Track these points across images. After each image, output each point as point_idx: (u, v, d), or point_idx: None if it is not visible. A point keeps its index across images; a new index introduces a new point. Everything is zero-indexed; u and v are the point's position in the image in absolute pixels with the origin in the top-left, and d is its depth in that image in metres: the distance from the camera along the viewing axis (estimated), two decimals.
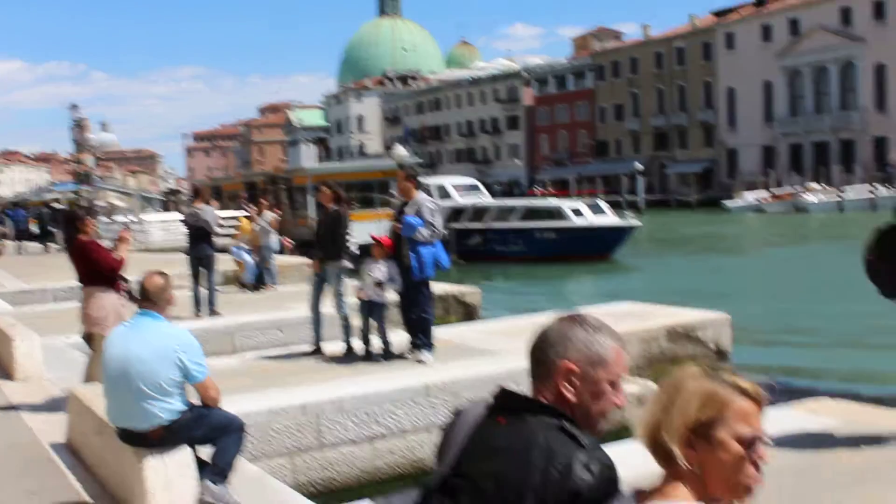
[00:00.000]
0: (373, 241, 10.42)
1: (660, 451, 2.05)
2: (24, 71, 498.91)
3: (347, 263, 10.96)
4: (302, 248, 15.40)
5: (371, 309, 10.33)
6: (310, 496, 7.07)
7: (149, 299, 5.87)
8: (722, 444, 2.00)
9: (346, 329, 10.81)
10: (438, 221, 10.14)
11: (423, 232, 9.91)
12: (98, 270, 8.91)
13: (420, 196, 10.24)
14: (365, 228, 33.59)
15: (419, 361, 9.95)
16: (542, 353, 2.30)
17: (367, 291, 10.25)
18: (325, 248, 10.98)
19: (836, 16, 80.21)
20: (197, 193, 15.87)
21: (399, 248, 10.09)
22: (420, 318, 10.19)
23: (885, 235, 6.64)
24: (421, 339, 10.18)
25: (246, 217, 20.34)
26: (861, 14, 78.30)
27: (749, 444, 1.99)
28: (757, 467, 2.02)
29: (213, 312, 14.74)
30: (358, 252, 11.24)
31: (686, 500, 2.00)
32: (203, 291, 14.93)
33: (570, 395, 2.25)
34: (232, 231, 22.25)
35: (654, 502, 2.01)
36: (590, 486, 2.09)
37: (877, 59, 76.94)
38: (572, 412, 2.25)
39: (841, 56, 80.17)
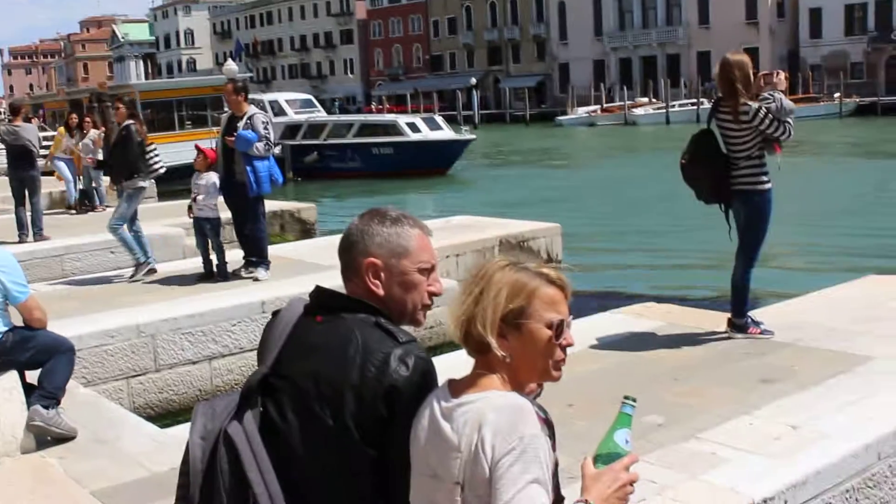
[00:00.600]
0: (197, 153, 10.13)
1: (472, 343, 2.09)
2: None
3: (142, 183, 10.59)
4: (100, 166, 14.88)
5: (201, 225, 10.09)
6: (148, 419, 7.01)
7: None
8: (532, 331, 2.05)
9: (131, 249, 10.54)
10: (272, 134, 9.86)
11: (259, 146, 9.59)
12: None
13: (252, 109, 9.91)
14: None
15: (254, 279, 9.86)
16: (347, 253, 2.32)
17: (193, 208, 10.03)
18: (116, 166, 10.71)
19: None
20: (15, 111, 15.04)
21: (230, 163, 9.81)
22: (255, 235, 10.04)
23: (697, 139, 6.93)
24: (256, 256, 10.06)
25: (63, 128, 19.35)
26: None
27: (557, 328, 2.06)
28: (563, 350, 2.10)
29: (39, 236, 14.17)
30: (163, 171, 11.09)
31: (498, 389, 2.05)
32: (27, 214, 14.32)
33: (378, 290, 2.28)
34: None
35: (468, 392, 2.05)
36: (406, 380, 2.13)
37: None
38: (386, 307, 2.28)
39: None
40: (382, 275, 2.28)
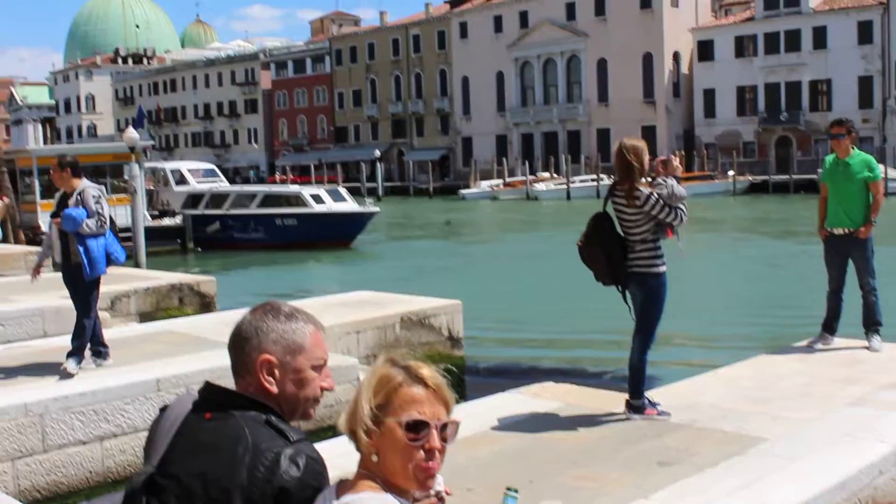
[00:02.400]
0: None
1: (353, 440, 2.10)
2: None
3: None
4: None
5: None
6: (34, 502, 6.75)
7: None
8: (389, 430, 2.03)
9: None
10: (105, 209, 9.08)
11: (90, 223, 8.87)
12: None
13: (83, 184, 9.15)
14: None
15: (65, 370, 8.90)
16: (240, 349, 2.29)
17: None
18: None
19: (562, 10, 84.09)
20: None
21: (65, 244, 9.11)
22: (80, 320, 9.18)
23: (594, 221, 7.06)
24: (74, 342, 9.11)
25: None
26: (584, 10, 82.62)
27: (415, 429, 2.03)
28: (430, 455, 2.05)
29: None
30: None
31: (371, 491, 2.03)
32: None
33: (272, 388, 2.25)
34: None
35: (346, 495, 2.03)
36: (296, 481, 2.11)
37: (599, 54, 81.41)
38: (278, 404, 2.26)
39: (567, 49, 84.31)
40: (277, 372, 2.25)
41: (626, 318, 7.14)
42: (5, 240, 19.92)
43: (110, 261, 9.18)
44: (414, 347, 11.67)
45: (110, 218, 9.23)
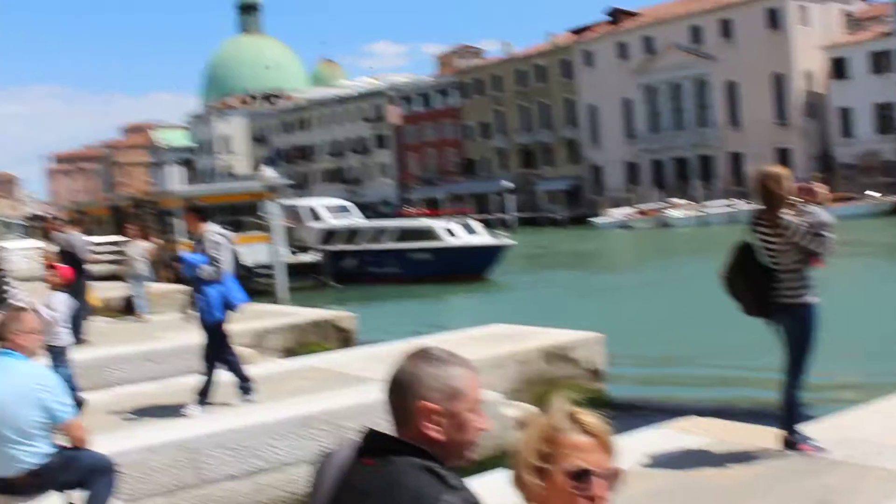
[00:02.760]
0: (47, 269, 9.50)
1: (519, 484, 2.11)
2: None
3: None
4: None
5: (51, 353, 8.99)
6: None
7: (4, 338, 5.62)
8: (552, 478, 2.04)
9: None
10: (225, 255, 9.20)
11: (207, 269, 9.05)
12: None
13: (206, 228, 9.34)
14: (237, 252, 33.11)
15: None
16: (399, 398, 2.31)
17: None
18: None
19: (687, 34, 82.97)
20: (67, 220, 15.72)
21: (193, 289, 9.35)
22: (222, 362, 9.46)
23: (736, 252, 6.91)
24: (237, 380, 9.51)
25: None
26: (710, 32, 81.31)
27: (579, 477, 2.03)
28: (593, 501, 2.05)
29: (79, 340, 14.36)
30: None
31: None
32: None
33: (432, 434, 2.27)
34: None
35: None
36: None
37: (727, 77, 79.89)
38: (438, 449, 2.27)
39: (694, 73, 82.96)
40: (436, 418, 2.28)
41: (775, 351, 6.95)
42: (156, 279, 20.71)
43: (229, 306, 9.25)
44: (555, 381, 11.60)
45: (236, 259, 9.43)
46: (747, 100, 78.75)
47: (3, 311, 9.44)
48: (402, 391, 2.31)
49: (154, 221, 36.58)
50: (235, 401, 9.46)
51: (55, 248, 15.28)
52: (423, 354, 2.35)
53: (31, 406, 5.35)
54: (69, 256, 14.94)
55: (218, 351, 9.40)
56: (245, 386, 9.56)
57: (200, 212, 9.62)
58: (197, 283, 9.15)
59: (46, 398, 5.40)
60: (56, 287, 9.34)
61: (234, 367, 9.54)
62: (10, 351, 5.54)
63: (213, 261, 9.07)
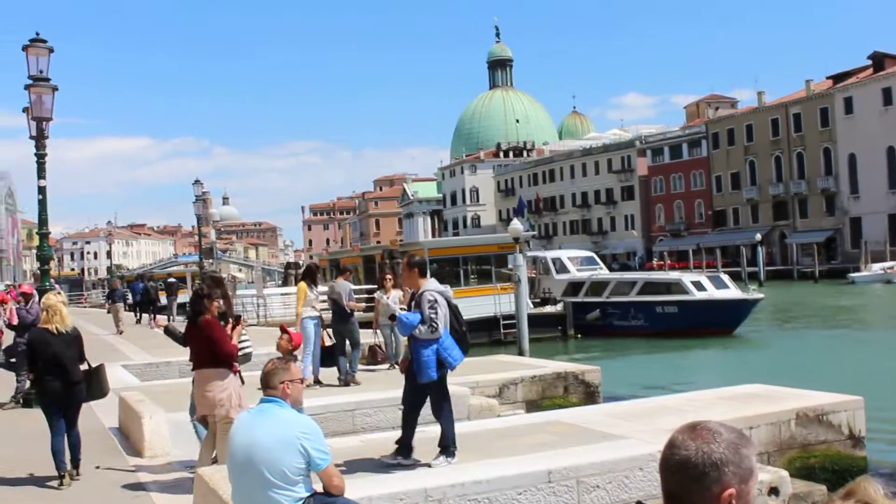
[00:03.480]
0: (281, 332, 9.56)
1: None
2: (151, 147, 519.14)
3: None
4: None
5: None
6: None
7: (270, 386, 5.88)
8: None
9: None
10: (441, 313, 8.93)
11: (422, 328, 8.83)
12: (216, 352, 9.02)
13: (425, 285, 9.14)
14: (480, 303, 33.73)
15: (432, 465, 9.02)
16: (695, 482, 2.23)
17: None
18: None
19: None
20: (338, 270, 16.80)
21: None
22: (437, 419, 9.28)
23: None
24: (444, 440, 9.19)
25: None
26: None
27: None
28: None
29: (347, 381, 15.47)
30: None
31: None
32: (342, 360, 15.73)
33: None
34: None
35: None
36: None
37: None
38: None
39: None
40: (736, 502, 2.21)
41: None
42: None
43: (443, 364, 9.01)
44: (810, 446, 10.99)
45: (455, 315, 9.17)
46: None
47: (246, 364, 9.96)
48: (699, 476, 2.23)
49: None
50: (433, 461, 9.12)
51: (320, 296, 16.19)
52: (711, 434, 2.27)
53: (293, 452, 5.55)
54: (333, 303, 16.14)
55: (438, 408, 9.25)
56: (451, 449, 9.23)
57: (421, 267, 9.49)
58: (412, 341, 9.04)
59: (308, 445, 5.58)
60: (284, 351, 9.26)
61: (447, 426, 9.29)
62: (277, 399, 5.79)
63: (429, 321, 8.88)
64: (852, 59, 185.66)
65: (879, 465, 11.97)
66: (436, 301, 8.92)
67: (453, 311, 9.22)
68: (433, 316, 8.85)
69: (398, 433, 10.48)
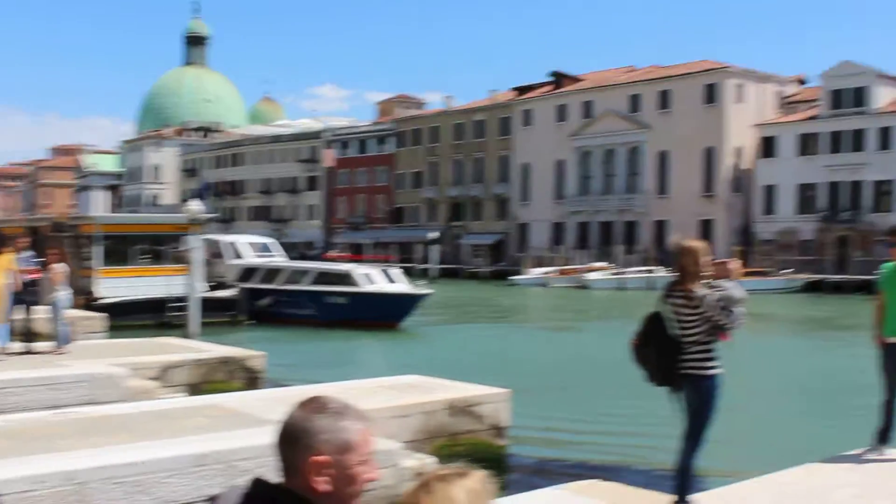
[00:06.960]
0: None
1: None
2: None
3: None
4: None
5: None
6: None
7: None
8: None
9: None
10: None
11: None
12: None
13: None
14: (151, 283, 32.84)
15: None
16: (289, 448, 2.27)
17: None
18: None
19: (626, 102, 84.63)
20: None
21: None
22: None
23: (648, 322, 7.01)
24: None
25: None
26: (648, 102, 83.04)
27: None
28: None
29: None
30: None
31: None
32: None
33: (320, 486, 2.24)
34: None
35: None
36: None
37: (660, 147, 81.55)
38: (324, 499, 2.25)
39: (629, 140, 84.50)
40: (329, 472, 2.24)
41: (676, 419, 7.02)
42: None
43: None
44: (458, 435, 11.56)
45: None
46: (677, 170, 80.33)
47: None
48: (292, 442, 2.26)
49: (71, 246, 35.83)
50: None
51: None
52: (315, 405, 2.30)
53: None
54: None
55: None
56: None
57: None
58: None
59: None
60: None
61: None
62: None
63: None
64: (536, 75, 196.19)
65: (518, 453, 12.77)
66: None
67: None
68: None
69: (50, 412, 10.07)
